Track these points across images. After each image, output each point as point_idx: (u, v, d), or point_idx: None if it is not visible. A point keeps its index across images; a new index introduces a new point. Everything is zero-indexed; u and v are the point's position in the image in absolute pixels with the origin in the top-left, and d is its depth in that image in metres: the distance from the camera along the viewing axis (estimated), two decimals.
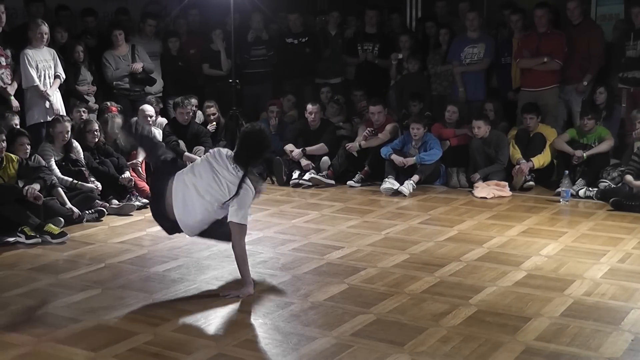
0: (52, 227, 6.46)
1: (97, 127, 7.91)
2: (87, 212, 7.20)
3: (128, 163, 8.03)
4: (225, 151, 5.11)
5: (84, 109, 8.50)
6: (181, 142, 8.78)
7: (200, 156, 8.69)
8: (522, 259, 5.79)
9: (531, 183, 8.50)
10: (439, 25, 10.23)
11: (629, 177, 7.67)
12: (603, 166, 8.27)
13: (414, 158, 8.61)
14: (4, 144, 6.76)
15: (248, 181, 4.93)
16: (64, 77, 8.32)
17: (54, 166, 7.34)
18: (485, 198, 8.08)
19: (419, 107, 9.53)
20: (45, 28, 8.07)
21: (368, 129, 9.15)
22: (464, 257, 5.86)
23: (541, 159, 8.54)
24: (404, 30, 10.74)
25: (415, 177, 8.47)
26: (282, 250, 6.12)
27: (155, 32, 10.06)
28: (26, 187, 6.58)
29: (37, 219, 6.49)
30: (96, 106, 9.03)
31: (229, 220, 4.93)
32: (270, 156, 8.79)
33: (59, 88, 8.30)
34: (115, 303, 4.87)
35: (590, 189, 8.04)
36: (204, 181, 4.96)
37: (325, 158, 9.27)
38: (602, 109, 8.81)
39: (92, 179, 7.56)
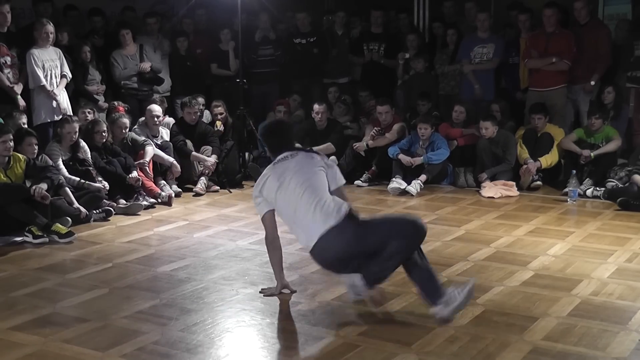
0: (59, 227, 6.48)
1: (104, 128, 7.92)
2: (94, 211, 7.21)
3: (135, 163, 8.03)
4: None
5: (89, 110, 8.43)
6: (188, 142, 8.78)
7: (207, 156, 8.73)
8: (529, 258, 5.78)
9: (538, 183, 8.49)
10: (446, 25, 10.22)
11: (636, 177, 7.66)
12: (610, 166, 8.25)
13: (422, 158, 8.61)
14: (12, 144, 6.76)
15: None
16: (70, 76, 8.32)
17: (62, 166, 7.34)
18: (493, 198, 8.07)
19: (427, 107, 9.52)
20: (50, 27, 8.06)
21: (375, 128, 9.14)
22: (471, 256, 5.85)
23: (549, 159, 8.52)
24: (411, 30, 10.73)
25: (423, 177, 8.47)
26: (290, 250, 6.08)
27: (159, 29, 10.03)
28: (34, 187, 6.58)
29: (45, 219, 6.50)
30: (106, 105, 9.05)
31: None
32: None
33: (66, 88, 8.31)
34: (122, 303, 4.88)
35: (597, 188, 8.02)
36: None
37: (333, 158, 9.26)
38: (610, 108, 8.78)
39: (100, 178, 7.56)
